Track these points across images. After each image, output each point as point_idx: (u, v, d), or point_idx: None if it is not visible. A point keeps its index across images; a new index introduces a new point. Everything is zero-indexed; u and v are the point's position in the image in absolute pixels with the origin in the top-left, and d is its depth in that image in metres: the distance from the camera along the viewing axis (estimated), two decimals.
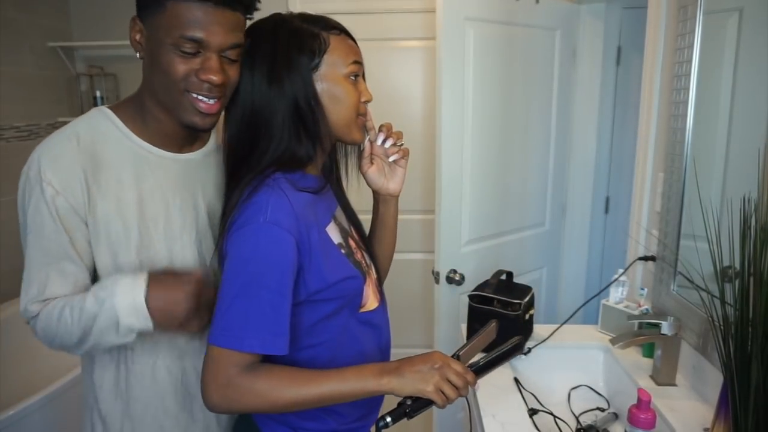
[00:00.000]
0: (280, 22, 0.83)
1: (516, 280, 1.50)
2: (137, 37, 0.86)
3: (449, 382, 0.77)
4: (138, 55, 0.88)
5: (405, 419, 0.79)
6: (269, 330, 0.75)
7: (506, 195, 1.97)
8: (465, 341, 1.41)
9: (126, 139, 0.87)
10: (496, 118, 1.88)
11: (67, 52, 2.94)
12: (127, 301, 0.79)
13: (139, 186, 0.86)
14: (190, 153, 0.93)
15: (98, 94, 2.98)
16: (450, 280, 1.80)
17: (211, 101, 0.82)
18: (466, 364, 0.82)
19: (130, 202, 0.85)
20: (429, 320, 1.88)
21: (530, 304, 1.40)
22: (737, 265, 0.85)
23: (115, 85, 3.08)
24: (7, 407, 1.58)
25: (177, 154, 0.91)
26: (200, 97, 0.81)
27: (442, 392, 0.77)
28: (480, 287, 1.41)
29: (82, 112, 3.29)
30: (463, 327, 1.50)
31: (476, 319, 1.39)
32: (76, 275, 0.86)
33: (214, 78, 0.78)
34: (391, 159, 0.98)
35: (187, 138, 0.92)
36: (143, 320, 0.80)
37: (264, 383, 0.75)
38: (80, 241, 0.84)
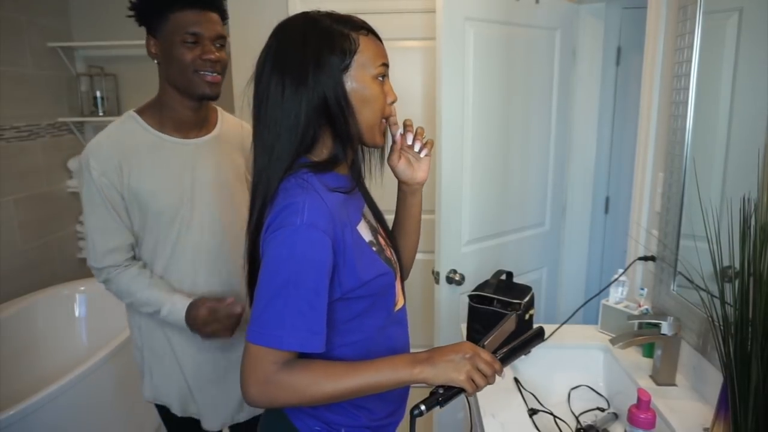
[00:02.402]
0: (310, 21, 0.83)
1: (516, 280, 1.50)
2: (153, 49, 1.16)
3: (479, 371, 0.80)
4: (156, 61, 1.17)
5: (438, 407, 0.82)
6: (308, 329, 0.76)
7: (506, 195, 1.97)
8: (463, 340, 1.41)
9: (147, 132, 1.18)
10: (496, 118, 1.88)
11: (67, 52, 2.94)
12: (172, 317, 1.18)
13: (159, 164, 1.17)
14: (197, 138, 1.24)
15: (98, 94, 2.98)
16: (450, 280, 1.80)
17: (214, 74, 1.15)
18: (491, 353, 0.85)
19: (153, 176, 1.16)
20: (429, 320, 1.88)
21: (530, 304, 1.40)
22: (737, 265, 0.85)
23: (115, 85, 3.08)
24: (7, 407, 1.58)
25: (186, 140, 1.22)
26: (205, 73, 1.14)
27: (473, 381, 0.80)
28: (480, 287, 1.41)
29: (82, 112, 3.31)
30: (463, 327, 1.50)
31: (476, 319, 1.39)
32: (120, 232, 1.18)
33: (212, 56, 1.13)
34: (422, 154, 1.01)
35: (195, 125, 1.23)
36: (182, 327, 1.18)
37: (302, 379, 0.77)
38: (119, 209, 1.16)
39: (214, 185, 1.24)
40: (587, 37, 2.15)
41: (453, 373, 0.79)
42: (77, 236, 3.09)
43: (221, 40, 1.15)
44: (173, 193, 1.19)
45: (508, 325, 0.94)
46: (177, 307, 1.17)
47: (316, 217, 0.76)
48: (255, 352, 0.76)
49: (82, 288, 2.63)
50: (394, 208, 1.09)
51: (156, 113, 1.20)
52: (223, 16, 1.18)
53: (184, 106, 1.19)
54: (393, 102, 0.89)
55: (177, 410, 1.33)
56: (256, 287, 0.78)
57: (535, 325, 1.42)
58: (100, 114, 3.00)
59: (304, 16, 0.84)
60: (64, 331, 2.53)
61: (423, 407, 0.81)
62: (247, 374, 0.77)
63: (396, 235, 1.07)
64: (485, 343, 0.88)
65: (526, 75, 1.94)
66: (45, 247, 2.79)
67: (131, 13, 1.15)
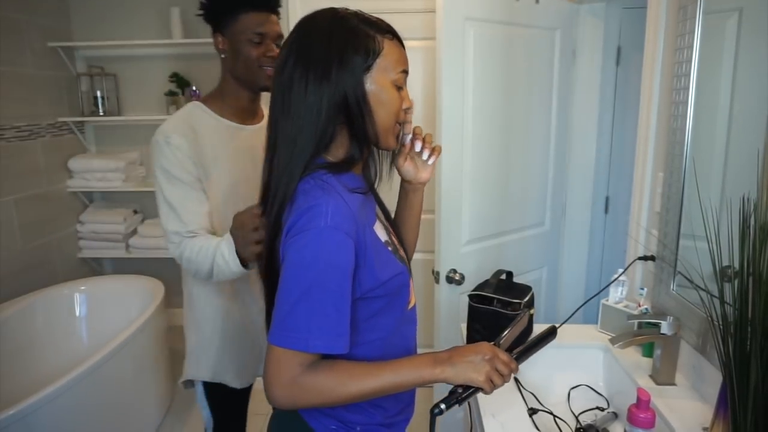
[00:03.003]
0: (338, 19, 0.83)
1: (516, 280, 1.50)
2: (221, 45, 1.29)
3: (497, 371, 0.82)
4: (222, 55, 1.31)
5: (456, 406, 0.84)
6: (333, 331, 0.77)
7: (506, 195, 1.97)
8: (465, 341, 1.41)
9: (211, 117, 1.31)
10: (496, 118, 1.88)
11: (67, 52, 2.94)
12: (225, 243, 1.19)
13: (222, 145, 1.29)
14: (252, 125, 1.37)
15: (98, 94, 2.98)
16: (450, 279, 1.80)
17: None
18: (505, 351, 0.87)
19: (217, 155, 1.28)
20: (429, 320, 1.88)
21: (530, 304, 1.40)
22: (737, 264, 0.85)
23: (115, 84, 3.08)
24: (7, 407, 1.58)
25: (244, 125, 1.34)
26: (268, 68, 1.26)
27: (491, 381, 0.82)
28: (480, 287, 1.42)
29: (83, 112, 3.31)
30: (463, 327, 1.50)
31: (476, 318, 1.39)
32: (203, 199, 1.26)
33: (274, 53, 1.26)
34: (429, 162, 1.02)
35: (251, 113, 1.37)
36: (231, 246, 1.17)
37: (327, 381, 0.78)
38: (196, 180, 1.25)
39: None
40: (587, 37, 2.15)
41: (473, 373, 0.81)
42: (77, 236, 3.09)
43: (279, 39, 1.28)
44: (234, 172, 1.30)
45: (522, 323, 0.96)
46: (225, 237, 1.19)
47: (340, 219, 0.77)
48: (279, 354, 0.76)
49: (82, 288, 2.63)
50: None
51: (218, 101, 1.33)
52: (279, 17, 1.32)
53: (244, 96, 1.33)
54: (408, 108, 0.89)
55: (236, 383, 1.40)
56: (278, 291, 0.78)
57: (535, 326, 1.43)
58: (101, 114, 3.00)
59: (333, 12, 0.84)
60: (64, 331, 2.53)
61: (443, 406, 0.82)
62: (272, 376, 0.77)
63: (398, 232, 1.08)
64: (500, 341, 0.89)
65: (526, 75, 1.94)
66: (45, 247, 2.79)
67: (201, 12, 1.28)
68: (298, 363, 0.76)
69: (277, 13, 1.30)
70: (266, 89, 1.27)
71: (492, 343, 0.87)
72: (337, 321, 0.77)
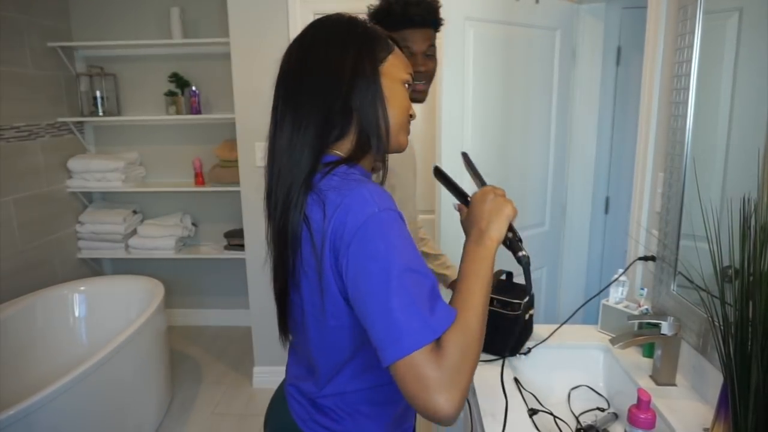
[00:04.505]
0: (353, 19, 0.83)
1: (516, 280, 1.50)
2: None
3: (502, 195, 0.85)
4: None
5: (521, 244, 0.86)
6: (438, 301, 0.70)
7: (506, 195, 1.97)
8: None
9: None
10: (496, 117, 1.88)
11: (67, 52, 2.94)
12: None
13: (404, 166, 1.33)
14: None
15: (98, 94, 2.98)
16: None
17: (422, 83, 1.29)
18: None
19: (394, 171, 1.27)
20: None
21: (530, 304, 1.40)
22: (737, 265, 0.85)
23: (115, 85, 3.08)
24: (7, 407, 1.58)
25: None
26: (416, 83, 1.25)
27: (510, 204, 0.84)
28: None
29: (82, 112, 3.31)
30: None
31: None
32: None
33: (422, 69, 1.27)
34: None
35: None
36: None
37: (457, 342, 0.67)
38: None
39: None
40: (587, 37, 2.15)
41: (502, 214, 0.82)
42: (77, 236, 3.09)
43: (430, 50, 1.30)
44: (405, 189, 1.33)
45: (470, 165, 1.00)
46: None
47: (384, 199, 0.73)
48: (410, 363, 0.64)
49: (82, 288, 2.63)
50: None
51: None
52: (436, 28, 1.32)
53: None
54: (411, 116, 0.88)
55: None
56: (368, 298, 0.69)
57: (534, 325, 1.43)
58: (100, 114, 3.00)
59: (345, 15, 0.84)
60: (64, 331, 2.53)
61: (522, 252, 0.84)
62: (421, 392, 0.63)
63: None
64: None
65: (526, 75, 1.94)
66: (45, 247, 2.79)
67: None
68: (433, 356, 0.65)
69: (433, 26, 1.30)
70: (416, 101, 1.28)
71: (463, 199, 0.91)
72: (433, 290, 0.70)
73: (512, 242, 0.84)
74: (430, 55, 1.31)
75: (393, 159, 1.17)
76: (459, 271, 0.79)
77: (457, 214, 0.95)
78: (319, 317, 0.80)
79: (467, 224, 0.85)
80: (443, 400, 0.63)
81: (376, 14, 1.27)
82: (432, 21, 1.30)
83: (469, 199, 0.90)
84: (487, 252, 0.79)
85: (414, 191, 1.40)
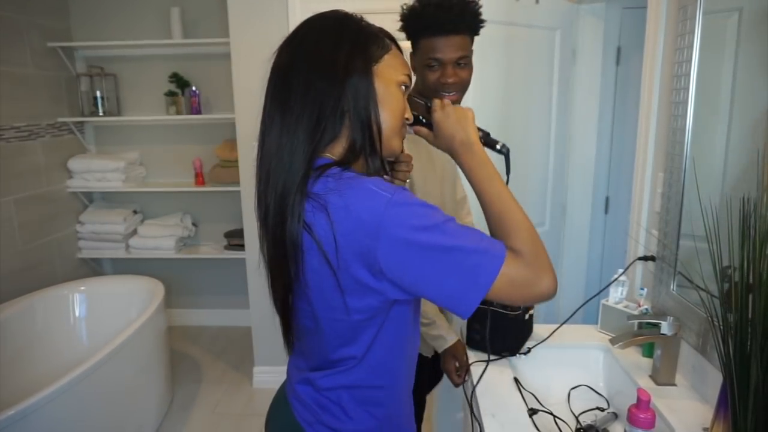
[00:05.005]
0: (348, 16, 0.81)
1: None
2: (412, 64, 1.29)
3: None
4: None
5: (492, 137, 0.96)
6: (484, 236, 0.76)
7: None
8: (465, 341, 1.41)
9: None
10: (496, 117, 1.88)
11: (67, 52, 2.94)
12: None
13: (424, 161, 1.32)
14: None
15: (98, 94, 2.98)
16: None
17: (451, 93, 1.26)
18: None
19: (421, 176, 1.31)
20: None
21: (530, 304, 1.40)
22: (737, 264, 0.85)
23: (115, 85, 3.08)
24: (7, 407, 1.58)
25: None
26: (445, 93, 1.25)
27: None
28: None
29: (82, 112, 3.31)
30: (463, 326, 1.50)
31: (476, 318, 1.39)
32: None
33: (450, 80, 1.24)
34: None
35: None
36: None
37: (519, 236, 0.79)
38: None
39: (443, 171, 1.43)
40: (587, 37, 2.15)
41: (467, 118, 0.90)
42: (77, 236, 3.10)
43: (463, 59, 1.25)
44: (433, 189, 1.34)
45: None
46: None
47: (388, 184, 0.72)
48: (504, 281, 0.73)
49: (82, 288, 2.63)
50: None
51: None
52: (474, 33, 1.27)
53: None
54: (407, 120, 0.85)
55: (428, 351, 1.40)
56: (430, 270, 0.71)
57: (534, 325, 1.43)
58: (100, 114, 3.00)
59: (341, 11, 0.82)
60: (64, 331, 2.53)
61: (499, 143, 0.97)
62: (527, 289, 0.77)
63: None
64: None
65: (526, 75, 1.94)
66: (45, 247, 2.79)
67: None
68: (513, 261, 0.75)
69: (467, 31, 1.24)
70: None
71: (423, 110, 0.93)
72: (473, 232, 0.75)
73: (486, 139, 0.94)
74: (464, 64, 1.25)
75: (416, 171, 1.23)
76: (474, 188, 0.85)
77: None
78: (340, 317, 0.78)
79: (443, 142, 0.90)
80: (545, 284, 0.78)
81: (407, 17, 1.23)
82: (466, 27, 1.23)
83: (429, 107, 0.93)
84: (482, 156, 0.86)
85: (439, 201, 1.36)
